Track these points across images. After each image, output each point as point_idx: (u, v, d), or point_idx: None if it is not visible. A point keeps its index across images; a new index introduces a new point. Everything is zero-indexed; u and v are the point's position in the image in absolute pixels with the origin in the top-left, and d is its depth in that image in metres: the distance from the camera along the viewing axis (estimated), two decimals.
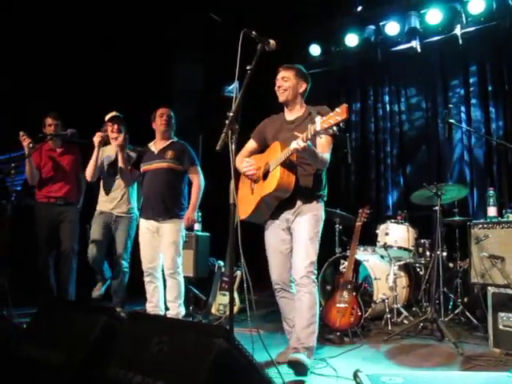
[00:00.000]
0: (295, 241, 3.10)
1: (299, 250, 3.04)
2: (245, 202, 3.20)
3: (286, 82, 3.15)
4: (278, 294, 3.22)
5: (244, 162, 3.17)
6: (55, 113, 4.50)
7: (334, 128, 2.56)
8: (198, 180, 4.10)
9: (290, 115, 3.25)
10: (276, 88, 3.21)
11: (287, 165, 2.94)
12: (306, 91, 3.24)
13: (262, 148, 3.33)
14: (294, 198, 3.06)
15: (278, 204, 3.08)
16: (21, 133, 4.22)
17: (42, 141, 4.35)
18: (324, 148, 3.02)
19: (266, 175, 3.07)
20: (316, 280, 3.06)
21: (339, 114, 2.53)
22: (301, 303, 2.99)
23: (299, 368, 2.78)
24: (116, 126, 4.36)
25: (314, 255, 3.05)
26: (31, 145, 4.21)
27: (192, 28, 6.90)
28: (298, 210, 3.09)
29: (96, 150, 4.26)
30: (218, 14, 6.72)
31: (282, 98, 3.20)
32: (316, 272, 3.07)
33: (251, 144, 3.41)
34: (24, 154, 4.26)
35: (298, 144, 2.70)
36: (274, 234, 3.20)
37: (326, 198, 3.24)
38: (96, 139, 4.21)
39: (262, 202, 3.05)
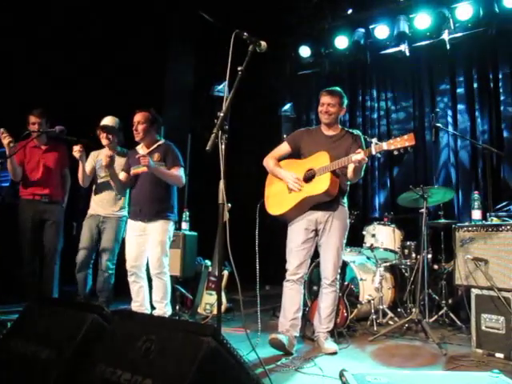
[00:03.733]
0: (328, 246, 3.49)
1: (331, 257, 3.48)
2: (279, 199, 3.57)
3: (332, 108, 3.52)
4: (288, 285, 3.51)
5: (290, 176, 3.49)
6: (39, 110, 4.37)
7: (401, 151, 3.05)
8: (177, 174, 3.93)
9: (328, 131, 3.62)
10: (322, 111, 3.55)
11: (335, 173, 3.37)
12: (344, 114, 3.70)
13: (293, 154, 3.67)
14: (331, 201, 3.43)
15: (314, 204, 3.45)
16: (1, 130, 4.13)
17: (28, 138, 4.31)
18: None
19: (308, 178, 3.45)
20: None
21: (408, 140, 3.03)
22: (328, 298, 3.51)
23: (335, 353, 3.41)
24: (105, 135, 4.31)
25: (341, 261, 3.56)
26: (11, 144, 4.12)
27: (183, 27, 6.89)
28: (332, 214, 3.47)
29: (80, 163, 4.24)
30: (209, 14, 6.72)
31: (326, 121, 3.56)
32: None
33: (285, 148, 3.70)
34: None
35: (361, 157, 3.13)
36: (299, 234, 3.51)
37: None
38: (76, 154, 4.13)
39: (304, 201, 3.43)
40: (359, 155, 3.16)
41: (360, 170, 3.38)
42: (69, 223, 4.75)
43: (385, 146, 3.11)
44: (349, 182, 3.58)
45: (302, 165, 3.54)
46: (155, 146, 3.99)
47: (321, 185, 3.34)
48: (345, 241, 3.58)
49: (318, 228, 3.51)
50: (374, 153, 3.17)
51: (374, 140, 3.18)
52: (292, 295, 3.48)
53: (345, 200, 3.60)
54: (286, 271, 3.53)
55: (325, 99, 3.53)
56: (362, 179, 6.90)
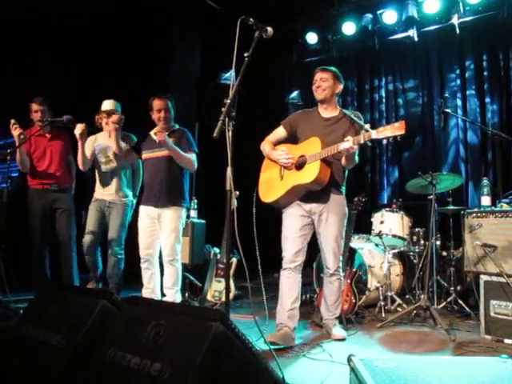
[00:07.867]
0: (326, 237, 3.39)
1: (331, 248, 3.39)
2: (271, 186, 3.48)
3: (324, 82, 3.41)
4: (286, 273, 3.40)
5: (278, 150, 3.44)
6: (41, 98, 4.39)
7: (390, 140, 2.90)
8: (191, 157, 3.95)
9: (325, 113, 3.49)
10: (315, 88, 3.46)
11: (326, 161, 3.22)
12: (340, 91, 3.52)
13: (290, 138, 3.55)
14: (324, 191, 3.32)
15: (306, 193, 3.34)
16: (12, 121, 4.13)
17: (32, 126, 4.34)
18: None
19: (300, 166, 3.32)
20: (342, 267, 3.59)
21: (398, 128, 2.83)
22: (333, 286, 3.47)
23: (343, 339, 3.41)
24: (107, 120, 4.26)
25: (341, 250, 3.47)
26: (22, 136, 4.13)
27: (190, 15, 6.85)
28: (326, 205, 3.36)
29: (80, 142, 4.21)
30: (215, 1, 6.68)
31: (320, 97, 3.44)
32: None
33: (281, 131, 3.59)
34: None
35: (350, 146, 3.00)
36: (295, 220, 3.41)
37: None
38: (77, 131, 4.12)
39: (294, 189, 3.32)
40: (347, 143, 3.01)
41: (352, 157, 3.23)
42: (78, 212, 4.78)
43: (373, 134, 2.91)
44: (345, 169, 3.46)
45: (296, 150, 3.40)
46: (169, 131, 3.99)
47: (310, 173, 3.21)
48: (344, 228, 3.47)
49: (313, 217, 3.41)
50: (362, 141, 2.98)
51: (366, 127, 3.02)
52: (289, 284, 3.36)
53: (341, 188, 3.46)
54: (282, 259, 3.43)
55: (317, 75, 3.44)
56: (369, 166, 6.91)
